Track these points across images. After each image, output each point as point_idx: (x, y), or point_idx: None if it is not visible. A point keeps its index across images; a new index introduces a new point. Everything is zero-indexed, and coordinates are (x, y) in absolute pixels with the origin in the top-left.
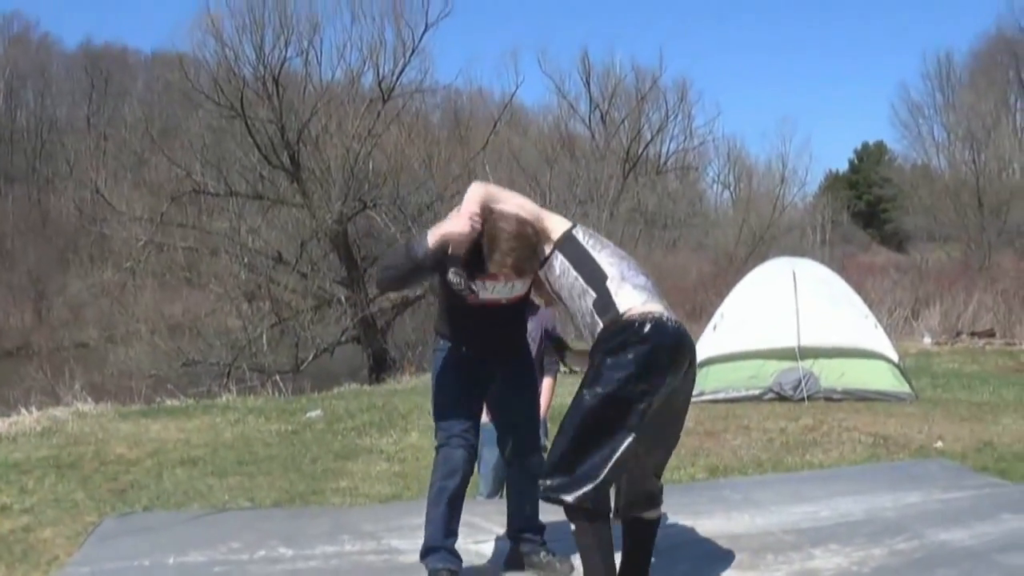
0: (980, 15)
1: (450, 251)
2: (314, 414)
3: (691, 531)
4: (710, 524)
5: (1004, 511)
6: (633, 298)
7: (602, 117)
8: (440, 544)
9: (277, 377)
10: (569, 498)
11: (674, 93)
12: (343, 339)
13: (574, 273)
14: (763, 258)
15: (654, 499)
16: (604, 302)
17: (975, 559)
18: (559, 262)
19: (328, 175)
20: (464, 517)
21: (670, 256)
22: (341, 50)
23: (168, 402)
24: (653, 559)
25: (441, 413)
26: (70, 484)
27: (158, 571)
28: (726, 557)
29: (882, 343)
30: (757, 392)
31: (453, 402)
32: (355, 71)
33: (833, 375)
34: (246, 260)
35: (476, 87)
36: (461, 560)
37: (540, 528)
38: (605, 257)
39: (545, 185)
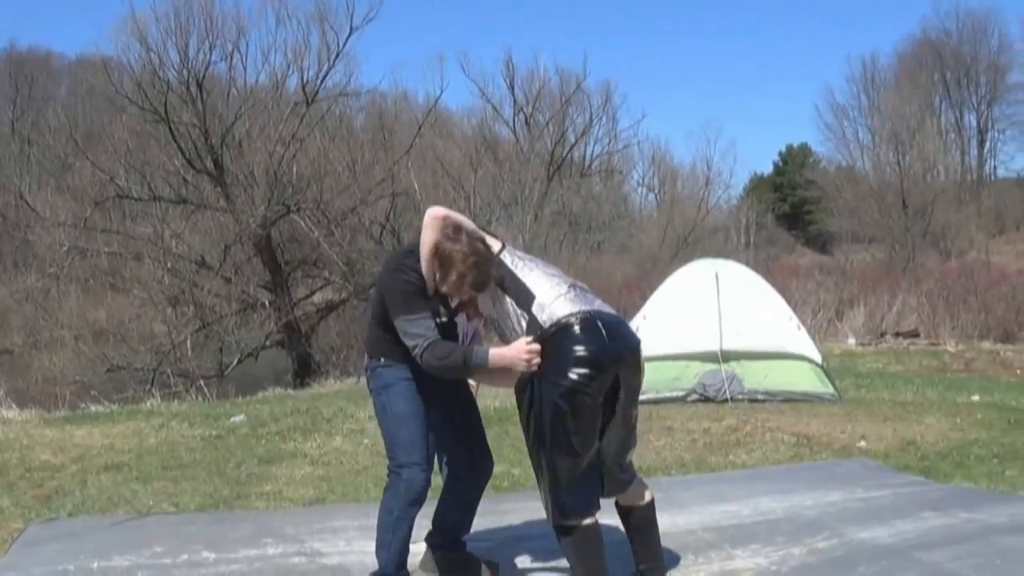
0: (905, 18)
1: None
2: (238, 419)
3: (613, 531)
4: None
5: (925, 509)
6: (562, 309)
7: (526, 120)
8: (394, 572)
9: (201, 382)
10: (574, 512)
11: (598, 96)
12: (267, 343)
13: (506, 298)
14: (687, 260)
15: (624, 485)
16: (534, 324)
17: (894, 557)
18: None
19: (252, 179)
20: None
21: (594, 259)
22: (266, 54)
23: (93, 408)
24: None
25: (401, 437)
26: None
27: None
28: None
29: (805, 344)
30: (680, 394)
31: (413, 427)
32: (279, 75)
33: (756, 376)
34: (170, 265)
35: (400, 91)
36: None
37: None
38: (533, 279)
39: (469, 188)
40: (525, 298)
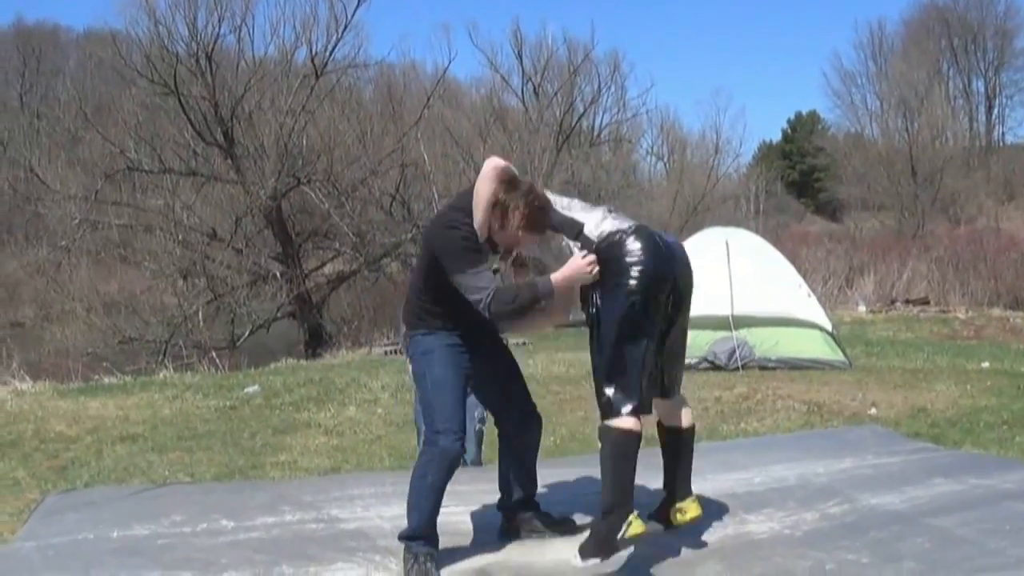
0: None
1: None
2: (251, 389)
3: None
4: (645, 491)
5: (935, 475)
6: (611, 226)
7: (535, 90)
8: (425, 534)
9: (213, 353)
10: (626, 410)
11: (607, 65)
12: (279, 315)
13: (556, 236)
14: (697, 229)
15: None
16: (587, 244)
17: (905, 522)
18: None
19: (262, 151)
20: (405, 487)
21: None
22: (275, 26)
23: (106, 380)
24: (586, 522)
25: (440, 404)
26: (11, 462)
27: (102, 544)
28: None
29: (815, 312)
30: (692, 361)
31: (453, 398)
32: (288, 47)
33: (767, 344)
34: (181, 237)
35: (409, 61)
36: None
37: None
38: (575, 211)
39: (479, 158)
40: (571, 229)
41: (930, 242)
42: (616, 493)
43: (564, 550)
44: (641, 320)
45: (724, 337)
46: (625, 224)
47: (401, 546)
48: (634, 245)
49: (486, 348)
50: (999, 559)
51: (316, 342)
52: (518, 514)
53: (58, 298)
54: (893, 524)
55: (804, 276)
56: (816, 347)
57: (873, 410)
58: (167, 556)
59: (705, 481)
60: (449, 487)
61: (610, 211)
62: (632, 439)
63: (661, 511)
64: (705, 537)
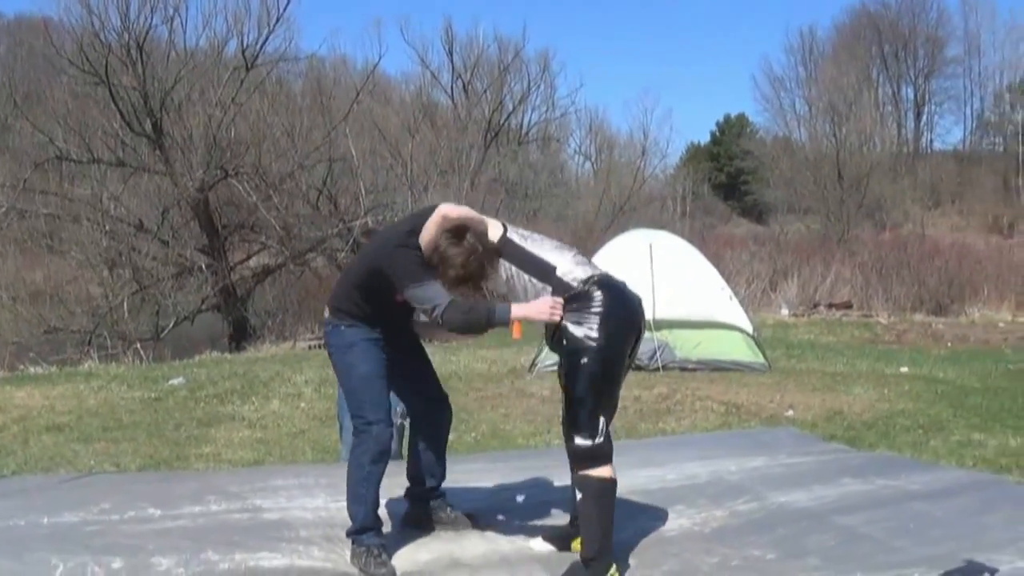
0: None
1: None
2: (176, 381)
3: (544, 491)
4: (562, 486)
5: (845, 476)
6: (582, 272)
7: (464, 87)
8: (373, 524)
9: (138, 345)
10: (603, 459)
11: (537, 64)
12: (203, 307)
13: (525, 276)
14: (623, 229)
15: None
16: (560, 287)
17: (812, 519)
18: (504, 267)
19: (190, 143)
20: (328, 480)
21: (531, 226)
22: (207, 18)
23: (32, 369)
24: (502, 517)
25: (368, 394)
26: None
27: (34, 530)
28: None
29: (737, 315)
30: None
31: (378, 385)
32: (220, 39)
33: (688, 346)
34: (107, 227)
35: (339, 56)
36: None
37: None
38: (546, 252)
39: (407, 154)
40: (543, 270)
41: (855, 247)
42: (601, 541)
43: (480, 545)
44: (612, 369)
45: (645, 338)
46: (594, 272)
47: (320, 534)
48: (605, 296)
49: (401, 344)
50: (901, 556)
51: (240, 335)
52: (425, 503)
53: None
54: (800, 520)
55: (728, 279)
56: (737, 349)
57: (790, 412)
58: (96, 542)
59: (620, 477)
60: None
61: (577, 253)
62: (612, 486)
63: (562, 537)
64: (618, 532)
